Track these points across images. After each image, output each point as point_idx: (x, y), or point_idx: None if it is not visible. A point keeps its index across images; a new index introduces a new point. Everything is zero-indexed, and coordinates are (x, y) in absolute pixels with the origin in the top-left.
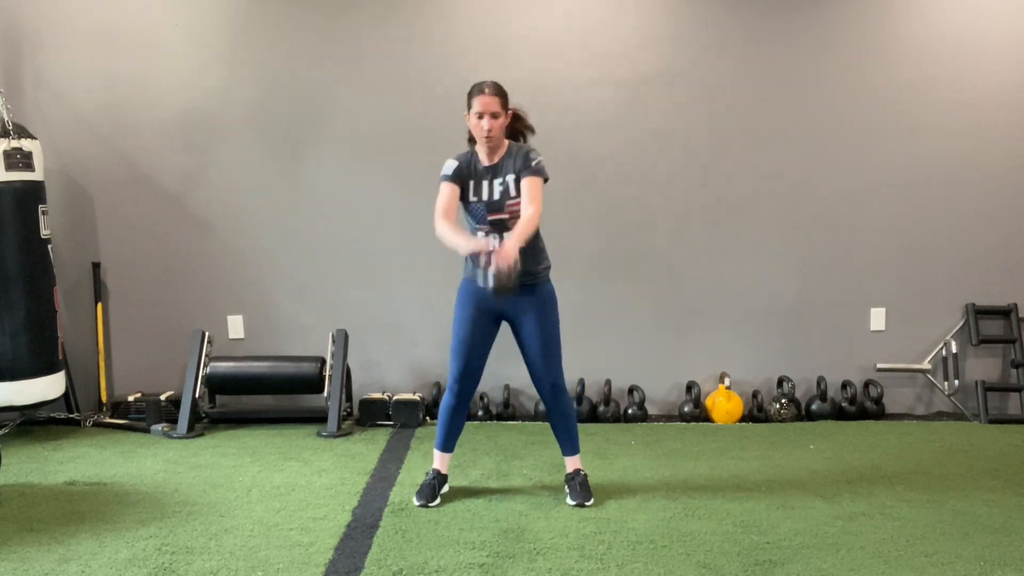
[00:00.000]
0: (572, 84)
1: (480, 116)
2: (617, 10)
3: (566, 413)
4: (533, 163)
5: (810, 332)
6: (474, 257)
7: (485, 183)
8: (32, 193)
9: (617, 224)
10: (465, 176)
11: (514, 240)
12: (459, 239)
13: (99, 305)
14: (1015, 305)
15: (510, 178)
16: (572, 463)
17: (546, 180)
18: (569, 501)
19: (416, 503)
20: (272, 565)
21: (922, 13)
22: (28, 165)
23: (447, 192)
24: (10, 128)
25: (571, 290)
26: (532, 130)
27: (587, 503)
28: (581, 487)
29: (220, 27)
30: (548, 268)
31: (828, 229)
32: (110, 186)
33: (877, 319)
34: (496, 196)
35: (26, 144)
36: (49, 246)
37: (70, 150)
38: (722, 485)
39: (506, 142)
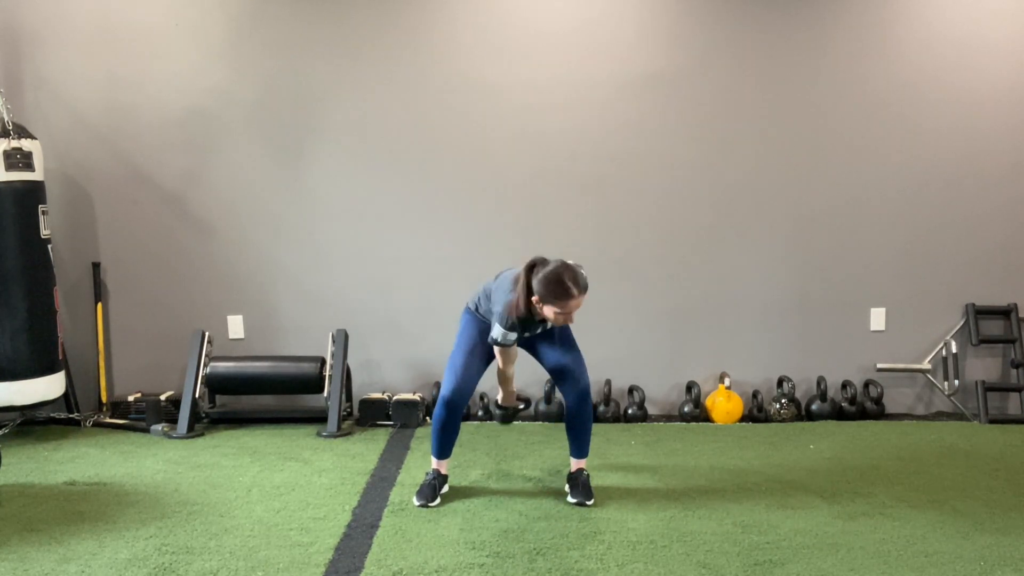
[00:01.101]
0: (572, 84)
1: (566, 315)
2: (617, 10)
3: (587, 418)
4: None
5: (810, 332)
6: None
7: (532, 327)
8: (32, 193)
9: (617, 224)
10: (519, 337)
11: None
12: (507, 386)
13: (99, 305)
14: (1015, 305)
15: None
16: (577, 464)
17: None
18: (570, 499)
19: (416, 503)
20: (272, 565)
21: (922, 13)
22: (28, 165)
23: (509, 354)
24: (10, 128)
25: None
26: None
27: (588, 502)
28: (583, 486)
29: (220, 27)
30: None
31: (828, 229)
32: (110, 186)
33: (877, 319)
34: (538, 331)
35: (26, 144)
36: (49, 246)
37: (70, 150)
38: (722, 485)
39: None
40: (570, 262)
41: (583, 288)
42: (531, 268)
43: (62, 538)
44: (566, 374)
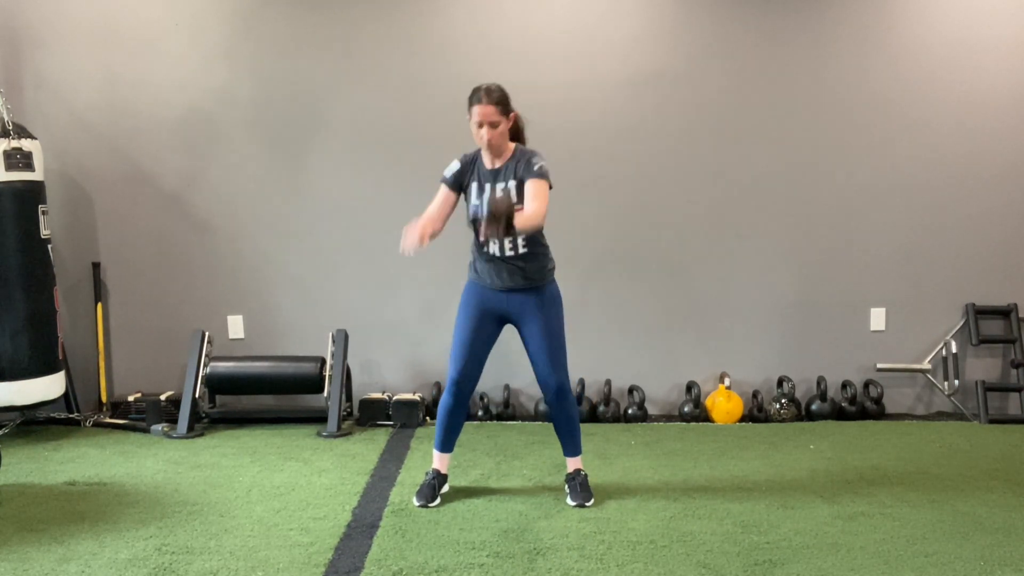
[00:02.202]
0: (572, 84)
1: (480, 125)
2: (617, 10)
3: (570, 414)
4: (536, 167)
5: (810, 332)
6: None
7: (488, 186)
8: (32, 193)
9: (617, 224)
10: (467, 179)
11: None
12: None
13: (99, 305)
14: (1015, 305)
15: (512, 183)
16: (573, 463)
17: (551, 187)
18: (569, 501)
19: (416, 503)
20: (272, 565)
21: (923, 13)
22: (28, 165)
23: (439, 196)
24: (10, 128)
25: (571, 290)
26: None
27: (587, 503)
28: (581, 487)
29: (220, 27)
30: (552, 269)
31: (828, 229)
32: (110, 186)
33: (877, 319)
34: (491, 197)
35: (26, 144)
36: (49, 246)
37: (70, 150)
38: (722, 485)
39: (511, 145)
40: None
41: (490, 95)
42: None
43: (62, 538)
44: (542, 370)
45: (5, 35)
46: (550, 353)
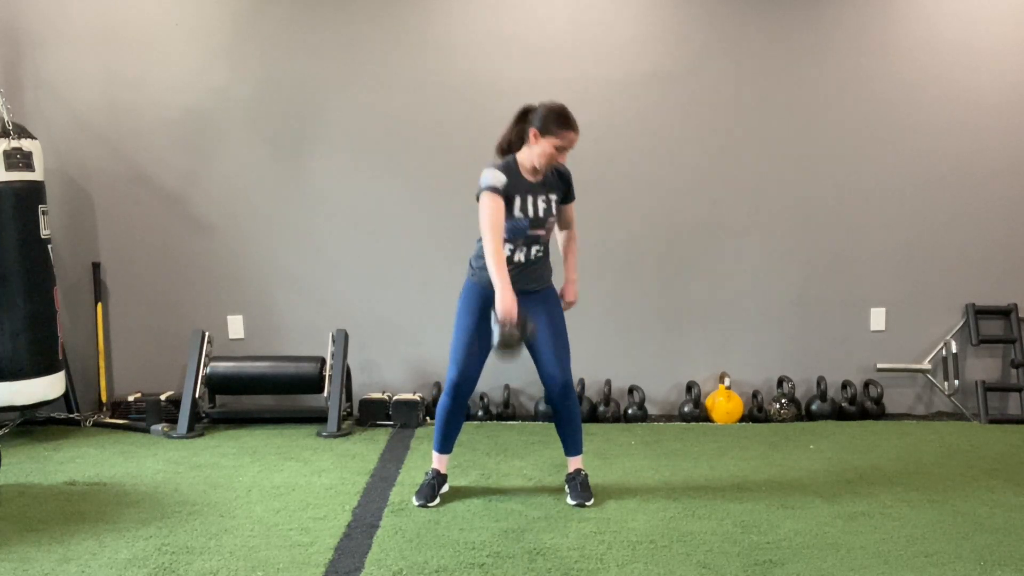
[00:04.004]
0: (571, 84)
1: (563, 150)
2: (617, 10)
3: (573, 414)
4: (573, 188)
5: (810, 332)
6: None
7: (531, 199)
8: (32, 193)
9: (617, 223)
10: (511, 191)
11: (575, 276)
12: (501, 279)
13: (99, 305)
14: (1015, 305)
15: (553, 197)
16: (574, 463)
17: None
18: (569, 501)
19: (416, 503)
20: (272, 565)
21: (921, 13)
22: (28, 165)
23: (497, 207)
24: (10, 128)
25: None
26: None
27: (587, 503)
28: (582, 487)
29: (220, 27)
30: (550, 271)
31: (828, 229)
32: (110, 186)
33: (877, 319)
34: (540, 213)
35: (26, 144)
36: (49, 246)
37: (70, 150)
38: (722, 485)
39: None
40: None
41: (578, 127)
42: (524, 113)
43: (62, 538)
44: (549, 369)
45: (5, 35)
46: (556, 351)
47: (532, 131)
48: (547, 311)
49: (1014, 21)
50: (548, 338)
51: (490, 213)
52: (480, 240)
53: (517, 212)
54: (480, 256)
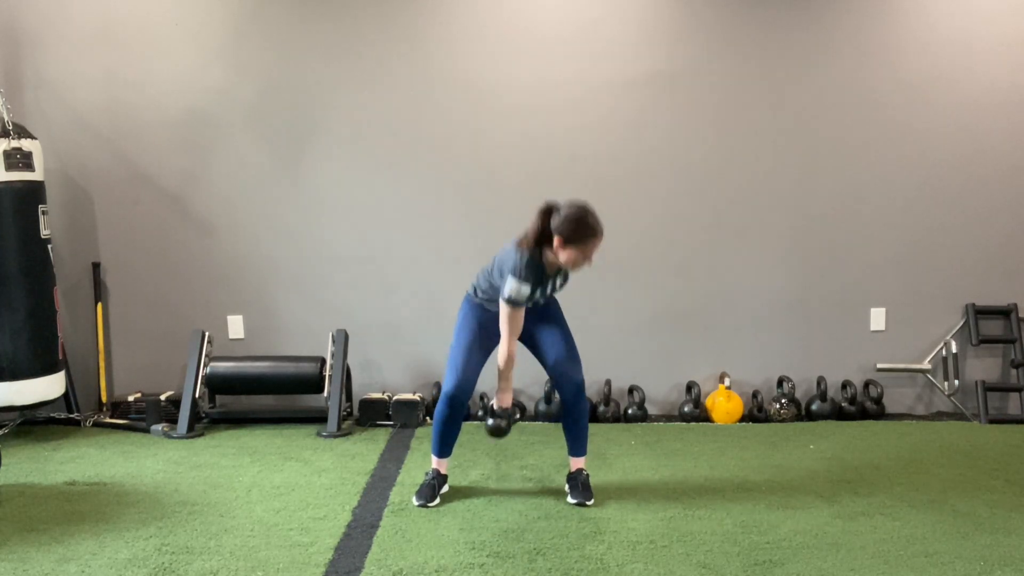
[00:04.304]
0: (572, 84)
1: (587, 258)
2: (617, 11)
3: (583, 414)
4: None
5: (810, 332)
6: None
7: (549, 282)
8: (32, 193)
9: (617, 224)
10: (534, 287)
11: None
12: (505, 381)
13: (99, 305)
14: (1015, 305)
15: (559, 281)
16: (576, 463)
17: None
18: (570, 500)
19: (416, 503)
20: (272, 565)
21: (923, 14)
22: (28, 165)
23: (519, 319)
24: (10, 128)
25: (572, 290)
26: None
27: (588, 502)
28: (583, 486)
29: (220, 27)
30: None
31: (828, 229)
32: (110, 186)
33: (877, 319)
34: (549, 291)
35: (26, 144)
36: (49, 246)
37: (70, 150)
38: (722, 485)
39: None
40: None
41: (602, 229)
42: (547, 211)
43: (62, 538)
44: (563, 371)
45: (5, 35)
46: (569, 352)
47: (557, 239)
48: (556, 318)
49: (1014, 21)
50: (561, 341)
51: (511, 325)
52: (488, 273)
53: (537, 296)
54: (487, 290)
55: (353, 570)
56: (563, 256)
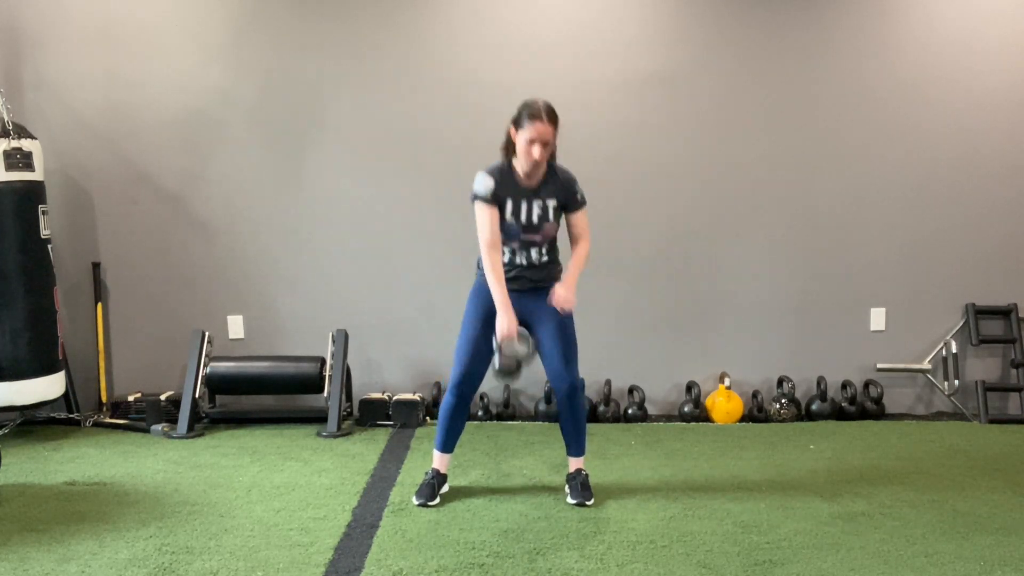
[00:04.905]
0: (571, 84)
1: (532, 142)
2: (616, 10)
3: (579, 414)
4: (579, 196)
5: (810, 332)
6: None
7: (524, 204)
8: (32, 193)
9: (617, 224)
10: (502, 195)
11: (570, 282)
12: (501, 298)
13: (99, 305)
14: (1015, 305)
15: (551, 203)
16: (575, 463)
17: None
18: (570, 500)
19: (416, 503)
20: (272, 565)
21: (922, 14)
22: (28, 165)
23: (489, 217)
24: (10, 128)
25: None
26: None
27: (587, 502)
28: (582, 486)
29: (220, 27)
30: (562, 270)
31: (828, 229)
32: (110, 186)
33: (877, 319)
34: (535, 220)
35: (26, 144)
36: (49, 246)
37: (70, 150)
38: (722, 485)
39: (545, 163)
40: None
41: (551, 115)
42: (516, 122)
43: (62, 538)
44: (557, 368)
45: (5, 35)
46: (564, 351)
47: (510, 129)
48: (556, 314)
49: (1014, 21)
50: (556, 338)
51: (481, 225)
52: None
53: (508, 216)
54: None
55: (353, 570)
56: (518, 148)
